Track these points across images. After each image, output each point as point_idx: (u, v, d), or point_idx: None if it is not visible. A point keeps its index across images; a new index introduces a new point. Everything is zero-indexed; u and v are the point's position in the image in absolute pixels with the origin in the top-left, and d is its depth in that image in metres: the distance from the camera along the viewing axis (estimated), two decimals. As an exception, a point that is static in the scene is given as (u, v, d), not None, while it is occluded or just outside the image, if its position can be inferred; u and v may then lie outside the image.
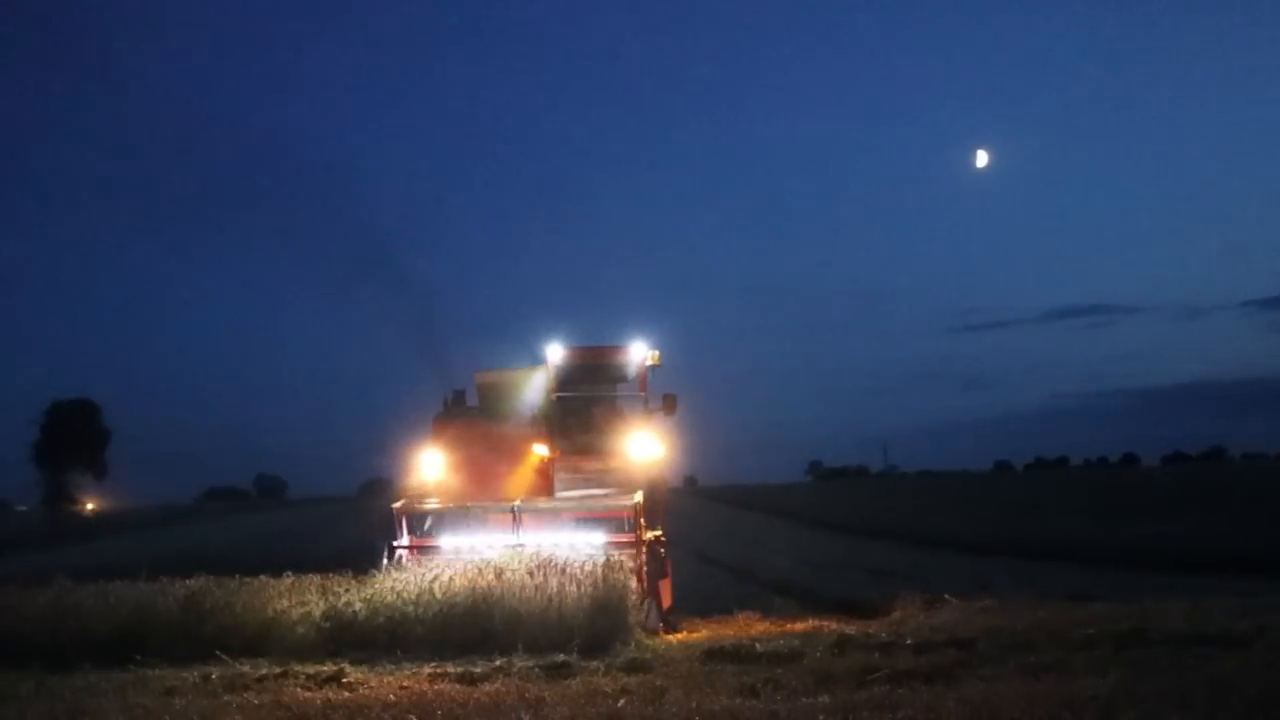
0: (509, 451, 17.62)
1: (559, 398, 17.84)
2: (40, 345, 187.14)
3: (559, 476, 17.28)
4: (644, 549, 14.84)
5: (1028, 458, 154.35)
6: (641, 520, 15.15)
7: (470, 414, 18.74)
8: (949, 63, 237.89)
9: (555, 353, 17.85)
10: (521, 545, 14.56)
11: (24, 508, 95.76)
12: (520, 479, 17.26)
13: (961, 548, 29.37)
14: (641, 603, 13.90)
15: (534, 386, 18.32)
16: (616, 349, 18.16)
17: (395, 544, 15.32)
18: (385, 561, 14.95)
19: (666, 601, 15.43)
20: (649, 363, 17.80)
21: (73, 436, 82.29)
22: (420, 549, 15.42)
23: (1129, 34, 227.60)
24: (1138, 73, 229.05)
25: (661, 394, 17.83)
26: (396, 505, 15.85)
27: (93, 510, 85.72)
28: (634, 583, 13.75)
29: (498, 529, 15.45)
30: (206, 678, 10.90)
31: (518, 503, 15.64)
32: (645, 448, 17.08)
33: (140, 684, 10.70)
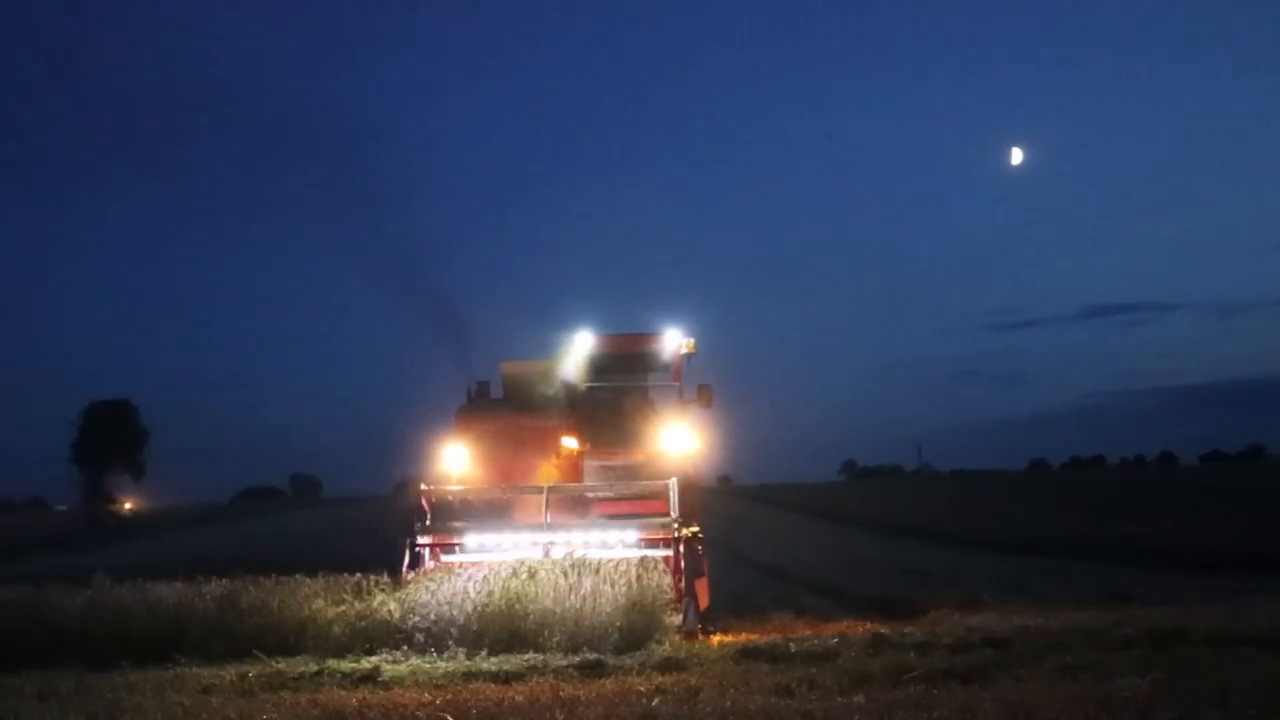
0: (536, 445, 16.99)
1: (589, 388, 17.34)
2: (79, 346, 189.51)
3: (588, 470, 16.81)
4: (681, 547, 14.24)
5: (1063, 457, 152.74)
6: (678, 514, 14.42)
7: (495, 406, 18.15)
8: (985, 59, 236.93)
9: (584, 341, 17.27)
10: (551, 543, 14.23)
11: (63, 507, 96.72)
12: (548, 473, 16.65)
13: (997, 547, 29.25)
14: (679, 604, 13.51)
15: (562, 377, 17.68)
16: (649, 336, 17.51)
17: (416, 542, 14.76)
18: (405, 563, 14.49)
19: (704, 602, 14.64)
20: (684, 351, 17.16)
21: (111, 437, 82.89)
22: (443, 547, 14.96)
23: (1167, 31, 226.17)
24: (1176, 69, 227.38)
25: (696, 384, 17.11)
26: (421, 490, 15.21)
27: (130, 510, 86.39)
28: (669, 580, 13.47)
29: (525, 527, 15.00)
30: (243, 676, 10.97)
31: (548, 487, 15.01)
32: (679, 440, 16.43)
33: (178, 682, 10.76)
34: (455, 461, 16.71)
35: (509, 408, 17.83)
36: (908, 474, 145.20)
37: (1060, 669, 9.74)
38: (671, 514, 14.38)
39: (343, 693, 10.07)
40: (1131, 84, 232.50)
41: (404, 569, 14.26)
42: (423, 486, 15.30)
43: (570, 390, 17.44)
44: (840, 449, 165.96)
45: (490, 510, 15.81)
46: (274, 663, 11.61)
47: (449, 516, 15.48)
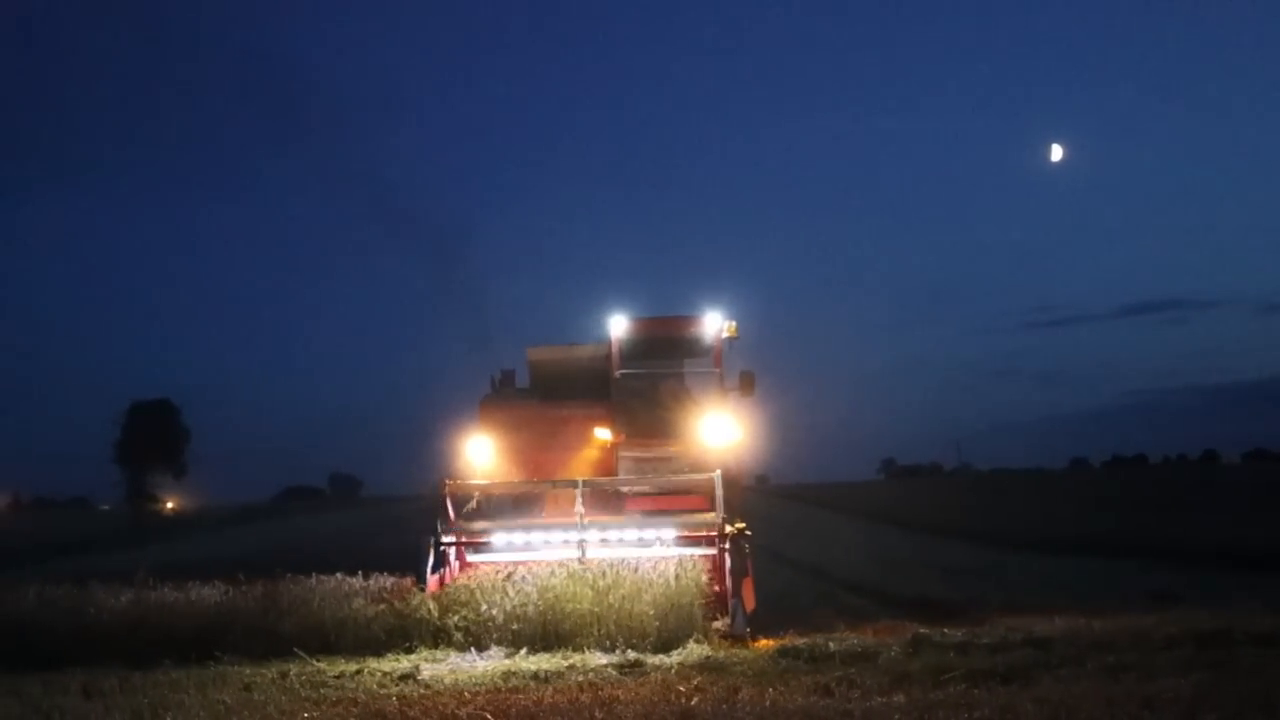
0: (566, 436, 16.18)
1: (623, 375, 16.36)
2: (122, 347, 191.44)
3: (623, 463, 15.88)
4: (727, 545, 13.40)
5: (1104, 455, 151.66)
6: (721, 509, 13.62)
7: (521, 395, 17.21)
8: (1024, 56, 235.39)
9: (618, 325, 16.32)
10: (584, 541, 13.60)
11: (106, 506, 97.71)
12: (579, 466, 15.81)
13: (1038, 547, 28.96)
14: (726, 607, 12.98)
15: (594, 363, 16.77)
16: (688, 319, 16.41)
17: (440, 541, 13.96)
18: (429, 564, 13.67)
19: (750, 604, 13.22)
20: (725, 335, 16.12)
21: (153, 436, 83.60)
22: (470, 546, 14.31)
23: (1206, 26, 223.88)
24: (1214, 65, 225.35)
25: (738, 371, 16.16)
26: (443, 484, 14.33)
27: (173, 509, 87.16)
28: (706, 578, 13.14)
29: (556, 525, 14.21)
30: (284, 674, 11.06)
31: (582, 481, 14.11)
32: (721, 431, 15.48)
33: (220, 680, 10.85)
34: (479, 454, 15.99)
35: (536, 397, 17.01)
36: (947, 473, 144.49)
37: (1103, 669, 9.67)
38: (716, 511, 13.69)
39: (382, 691, 10.14)
40: (1170, 80, 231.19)
41: (428, 570, 13.62)
42: (445, 481, 14.49)
43: (603, 377, 16.49)
44: (879, 447, 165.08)
45: (518, 505, 15.33)
46: (314, 661, 11.68)
47: (474, 513, 14.86)
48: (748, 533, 13.64)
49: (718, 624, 12.75)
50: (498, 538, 14.27)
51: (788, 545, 29.23)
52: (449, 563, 14.17)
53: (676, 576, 12.81)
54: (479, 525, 14.38)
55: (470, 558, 14.41)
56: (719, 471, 14.02)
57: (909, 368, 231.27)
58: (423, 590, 13.28)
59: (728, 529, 13.53)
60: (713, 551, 13.65)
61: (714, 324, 16.16)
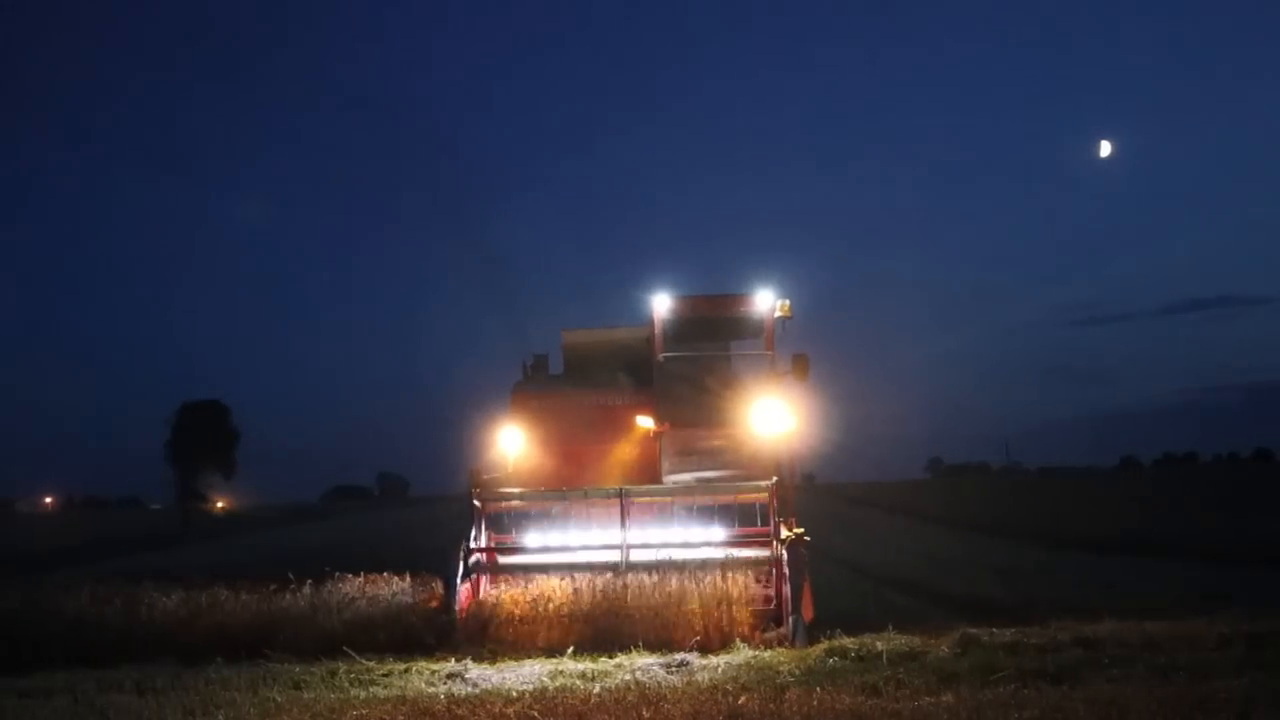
0: (604, 425, 15.20)
1: (667, 358, 15.27)
2: (173, 348, 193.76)
3: (667, 455, 14.94)
4: (784, 551, 12.67)
5: (1155, 454, 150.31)
6: (778, 514, 13.06)
7: (556, 382, 16.26)
8: (1071, 54, 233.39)
9: (662, 304, 15.26)
10: (627, 545, 13.20)
11: (157, 506, 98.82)
12: (619, 459, 14.97)
13: (1087, 546, 28.68)
14: (785, 619, 12.36)
15: (635, 346, 15.84)
16: (738, 298, 15.32)
17: (471, 545, 13.45)
18: (459, 572, 13.09)
19: (809, 614, 12.43)
20: (778, 314, 15.08)
21: (203, 437, 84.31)
22: (502, 551, 13.90)
23: (1251, 21, 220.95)
24: (1260, 59, 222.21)
25: (791, 354, 14.98)
26: (473, 495, 13.64)
27: (222, 509, 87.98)
28: (755, 578, 12.84)
29: (595, 523, 13.70)
30: (333, 672, 11.14)
31: (622, 490, 13.47)
32: (773, 418, 14.40)
33: (270, 678, 10.93)
34: (510, 445, 15.12)
35: (571, 383, 16.04)
36: (995, 472, 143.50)
37: (1154, 670, 9.57)
38: (772, 519, 13.11)
39: (430, 690, 10.20)
40: (1217, 76, 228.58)
41: (458, 579, 13.10)
42: (474, 492, 13.75)
43: (645, 361, 15.54)
44: (926, 446, 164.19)
45: (554, 507, 14.35)
46: (363, 659, 11.76)
47: (505, 520, 14.18)
48: (805, 537, 12.83)
49: (770, 634, 12.31)
50: (532, 539, 13.89)
51: (834, 543, 29.13)
52: (480, 573, 13.67)
53: (724, 577, 12.61)
54: (508, 544, 13.89)
55: (504, 560, 13.99)
56: (775, 480, 13.43)
57: (956, 365, 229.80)
58: (452, 608, 12.89)
59: (784, 534, 12.87)
60: (766, 554, 13.11)
61: (766, 302, 15.16)
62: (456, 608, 12.88)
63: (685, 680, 10.22)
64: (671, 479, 14.75)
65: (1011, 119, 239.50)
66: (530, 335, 17.28)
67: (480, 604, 13.13)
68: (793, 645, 11.88)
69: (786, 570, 12.49)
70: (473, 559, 13.53)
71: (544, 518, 14.19)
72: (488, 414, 15.64)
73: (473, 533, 13.64)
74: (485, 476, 14.25)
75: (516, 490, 14.32)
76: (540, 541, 13.89)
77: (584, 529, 13.86)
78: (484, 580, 13.71)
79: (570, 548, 13.62)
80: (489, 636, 12.53)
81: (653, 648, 11.90)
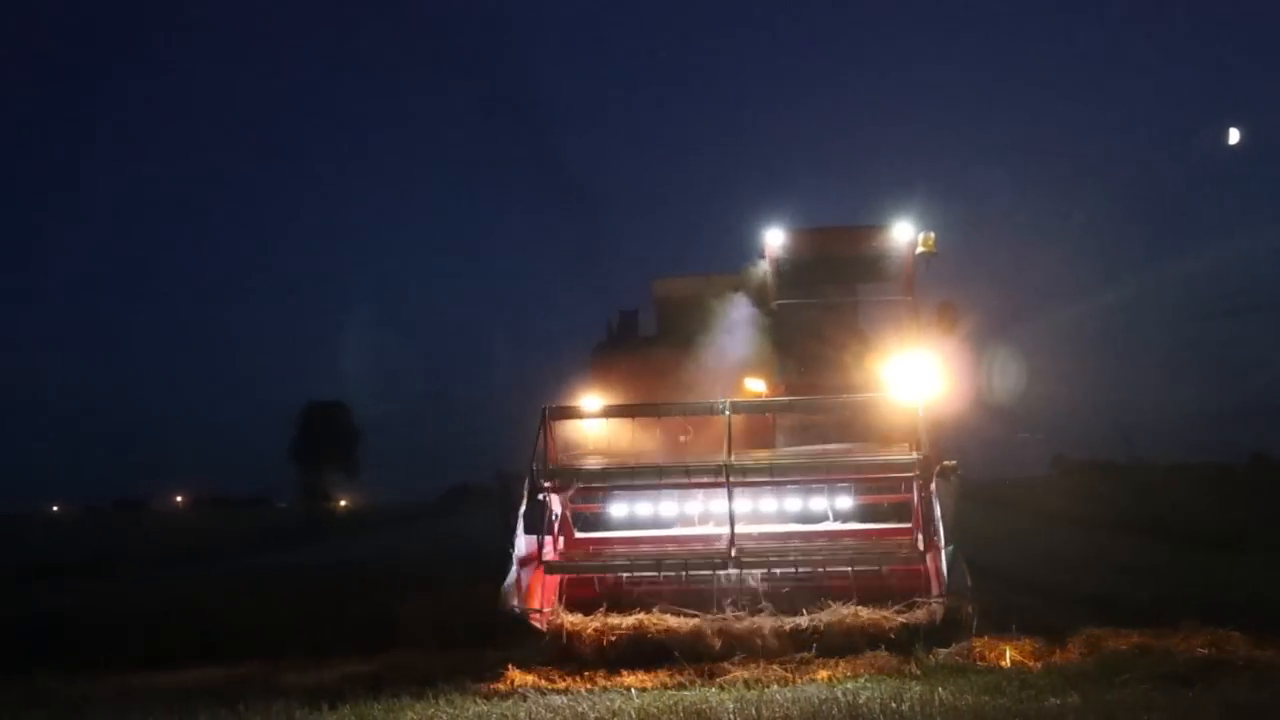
0: (703, 390, 12.37)
1: (781, 306, 12.97)
2: (297, 349, 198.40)
3: (782, 427, 12.42)
4: (933, 485, 10.16)
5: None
6: (933, 494, 10.26)
7: (646, 341, 14.23)
8: (1205, 33, 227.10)
9: (775, 239, 12.98)
10: (734, 534, 10.68)
11: (283, 504, 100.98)
12: (721, 432, 11.22)
13: (1217, 544, 27.92)
14: (920, 584, 10.47)
15: (740, 294, 13.20)
16: (869, 230, 12.91)
17: (538, 486, 10.57)
18: (520, 526, 10.42)
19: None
20: (920, 250, 12.59)
21: (326, 436, 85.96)
22: (577, 513, 11.60)
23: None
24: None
25: (938, 302, 12.75)
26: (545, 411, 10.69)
27: (345, 507, 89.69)
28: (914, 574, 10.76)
29: (694, 490, 11.19)
30: (454, 667, 11.24)
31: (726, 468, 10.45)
32: (917, 380, 11.81)
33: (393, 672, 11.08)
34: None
35: (665, 341, 13.79)
36: (1121, 468, 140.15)
37: (1291, 673, 9.30)
38: (913, 451, 10.29)
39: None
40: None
41: (520, 531, 10.50)
42: (546, 406, 10.89)
43: (756, 311, 13.07)
44: (1049, 442, 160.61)
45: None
46: (484, 656, 11.86)
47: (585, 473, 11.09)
48: (958, 470, 10.49)
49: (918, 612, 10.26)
50: (616, 509, 11.66)
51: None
52: (552, 526, 11.07)
53: (853, 562, 10.86)
54: (590, 469, 10.92)
55: (580, 535, 11.82)
56: (918, 404, 10.59)
57: (1079, 360, 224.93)
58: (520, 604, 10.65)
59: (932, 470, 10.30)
60: (911, 498, 10.80)
61: (904, 235, 12.69)
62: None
63: (803, 674, 10.15)
64: (786, 452, 11.97)
65: (1141, 103, 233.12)
66: (619, 294, 15.08)
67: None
68: (949, 587, 10.13)
69: (936, 507, 10.11)
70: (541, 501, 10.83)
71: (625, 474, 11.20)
72: (565, 381, 13.48)
73: (536, 468, 10.78)
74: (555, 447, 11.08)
75: (598, 466, 11.31)
76: (627, 509, 11.76)
77: (677, 499, 11.65)
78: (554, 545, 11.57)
79: (662, 520, 11.61)
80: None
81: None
